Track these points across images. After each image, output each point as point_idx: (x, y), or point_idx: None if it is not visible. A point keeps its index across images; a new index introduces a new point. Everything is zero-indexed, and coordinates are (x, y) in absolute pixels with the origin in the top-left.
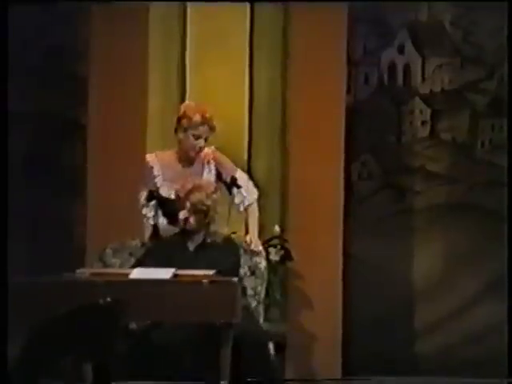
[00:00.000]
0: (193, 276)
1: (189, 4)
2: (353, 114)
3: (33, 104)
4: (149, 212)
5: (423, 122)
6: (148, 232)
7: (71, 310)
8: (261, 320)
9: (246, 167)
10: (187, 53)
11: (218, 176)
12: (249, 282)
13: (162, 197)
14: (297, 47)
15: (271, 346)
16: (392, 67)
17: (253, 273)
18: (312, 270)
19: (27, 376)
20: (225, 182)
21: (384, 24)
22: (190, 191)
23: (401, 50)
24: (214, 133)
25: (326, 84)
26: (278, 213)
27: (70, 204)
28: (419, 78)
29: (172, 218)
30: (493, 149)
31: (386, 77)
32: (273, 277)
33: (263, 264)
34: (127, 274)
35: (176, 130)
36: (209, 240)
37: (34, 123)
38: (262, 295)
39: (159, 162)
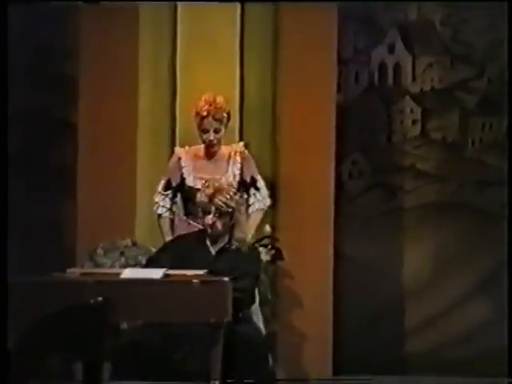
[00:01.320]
0: (184, 276)
1: (179, 4)
2: (343, 113)
3: (22, 103)
4: (161, 200)
5: (413, 121)
6: (165, 226)
7: (62, 309)
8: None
9: None
10: (177, 53)
11: (241, 174)
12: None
13: (188, 186)
14: (287, 47)
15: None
16: (382, 66)
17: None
18: (302, 269)
19: (18, 375)
20: (244, 181)
21: (374, 23)
22: (213, 194)
23: (391, 49)
24: (222, 123)
25: (317, 83)
26: (269, 212)
27: (60, 204)
28: (409, 77)
29: (190, 209)
30: (483, 148)
31: (376, 76)
32: (263, 276)
33: None
34: (118, 274)
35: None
36: (233, 246)
37: (24, 122)
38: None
39: (187, 154)
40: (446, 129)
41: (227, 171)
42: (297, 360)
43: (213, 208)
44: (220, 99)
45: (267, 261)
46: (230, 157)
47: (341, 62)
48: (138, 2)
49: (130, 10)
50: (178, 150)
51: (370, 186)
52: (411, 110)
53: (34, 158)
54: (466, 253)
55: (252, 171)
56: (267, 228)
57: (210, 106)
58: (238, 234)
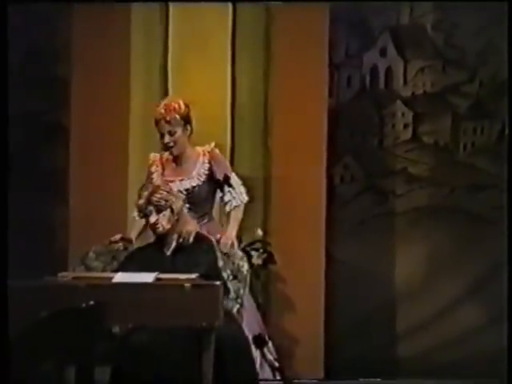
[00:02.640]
0: (175, 280)
1: (171, 4)
2: (335, 117)
3: (13, 106)
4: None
5: (405, 125)
6: (135, 231)
7: (53, 313)
8: (243, 324)
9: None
10: (169, 54)
11: (211, 174)
12: (231, 286)
13: None
14: (279, 48)
15: (254, 349)
16: (374, 70)
17: (235, 277)
18: (294, 272)
19: (9, 380)
20: (217, 180)
21: (366, 27)
22: (150, 194)
23: (383, 53)
24: (177, 125)
25: (309, 86)
26: (261, 216)
27: (51, 207)
28: (401, 81)
29: None
30: (475, 152)
31: (368, 79)
32: (255, 280)
33: (246, 268)
34: (110, 278)
35: None
36: (182, 241)
37: (15, 125)
38: (245, 299)
39: (160, 160)
40: (438, 133)
41: (192, 173)
42: (288, 363)
43: (151, 207)
44: (176, 102)
45: (259, 264)
46: (197, 158)
47: (332, 65)
48: (129, 3)
49: (121, 10)
50: (152, 156)
51: (361, 189)
52: (403, 114)
53: (25, 161)
54: (457, 256)
55: (224, 169)
56: (259, 232)
57: (163, 109)
58: (186, 227)
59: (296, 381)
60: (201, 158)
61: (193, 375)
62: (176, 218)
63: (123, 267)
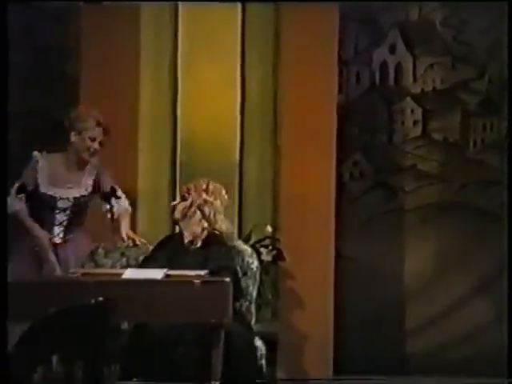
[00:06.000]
0: (185, 276)
1: (180, 4)
2: (344, 114)
3: (22, 104)
4: (17, 204)
5: (415, 122)
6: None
7: (62, 309)
8: (253, 320)
9: (237, 167)
10: (179, 52)
11: (96, 184)
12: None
13: (40, 192)
14: (288, 47)
15: (261, 346)
16: (383, 67)
17: (245, 273)
18: (303, 269)
19: (17, 377)
20: (103, 192)
21: (375, 23)
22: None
23: (392, 50)
24: (106, 137)
25: (318, 83)
26: (270, 213)
27: None
28: (411, 78)
29: (39, 216)
30: (484, 148)
31: (377, 76)
32: (264, 277)
33: (255, 264)
34: (119, 274)
35: (67, 133)
36: (198, 238)
37: (24, 123)
38: (254, 295)
39: (46, 160)
40: (447, 129)
41: (80, 183)
42: (298, 360)
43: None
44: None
45: (268, 261)
46: (85, 169)
47: (342, 62)
48: (139, 2)
49: (131, 9)
50: (36, 154)
51: (371, 186)
52: (412, 111)
53: None
54: (467, 253)
55: (109, 181)
56: (268, 228)
57: (99, 117)
58: (196, 228)
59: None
60: (89, 167)
61: (201, 372)
62: (189, 214)
63: (153, 255)
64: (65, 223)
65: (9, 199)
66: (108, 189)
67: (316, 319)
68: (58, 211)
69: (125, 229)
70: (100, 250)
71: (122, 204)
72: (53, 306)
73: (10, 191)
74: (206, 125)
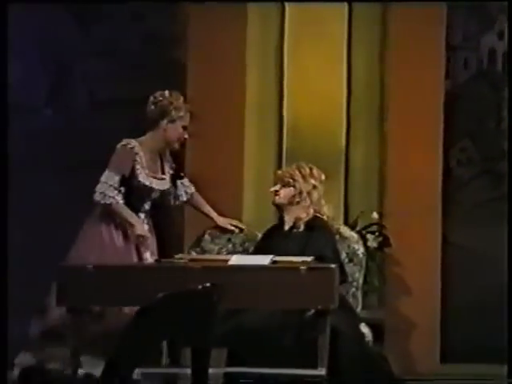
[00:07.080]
0: (291, 262)
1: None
2: (452, 100)
3: (128, 90)
4: (117, 197)
5: None
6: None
7: (170, 295)
8: (359, 307)
9: (344, 153)
10: (285, 38)
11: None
12: (347, 269)
13: (137, 182)
14: (395, 32)
15: (368, 333)
16: (491, 52)
17: (351, 260)
18: (410, 256)
19: (127, 361)
20: (172, 176)
21: (483, 10)
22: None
23: (500, 36)
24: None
25: (425, 69)
26: (376, 199)
27: None
28: None
29: (129, 204)
30: None
31: (485, 62)
32: (371, 263)
33: (361, 251)
34: (226, 260)
35: (157, 120)
36: (301, 222)
37: (133, 109)
38: (360, 282)
39: (142, 149)
40: None
41: (165, 167)
42: (404, 346)
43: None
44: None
45: (374, 248)
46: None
47: (449, 48)
48: (245, 3)
49: (237, 8)
50: (133, 143)
51: (478, 172)
52: None
53: None
54: None
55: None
56: (374, 215)
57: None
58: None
59: None
60: (167, 156)
61: (308, 358)
62: (297, 200)
63: (261, 243)
64: (148, 211)
65: (105, 189)
66: (172, 170)
67: (423, 306)
68: (148, 200)
69: (213, 211)
70: (206, 236)
71: (187, 185)
72: (160, 291)
73: (101, 179)
74: (312, 112)
